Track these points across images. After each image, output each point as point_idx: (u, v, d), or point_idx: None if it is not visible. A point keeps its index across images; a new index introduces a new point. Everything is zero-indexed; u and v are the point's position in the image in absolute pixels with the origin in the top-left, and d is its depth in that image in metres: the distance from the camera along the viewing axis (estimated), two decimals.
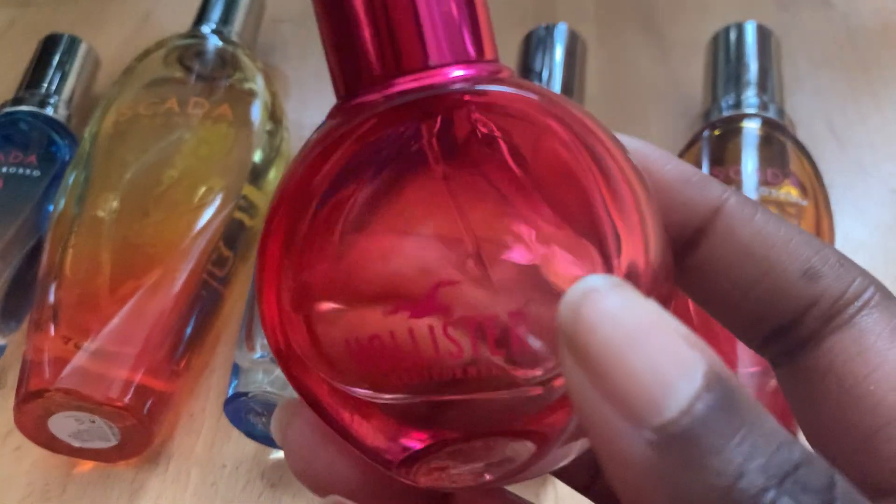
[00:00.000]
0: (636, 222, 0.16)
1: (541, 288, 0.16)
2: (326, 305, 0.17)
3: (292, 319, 0.17)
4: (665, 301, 0.16)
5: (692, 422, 0.12)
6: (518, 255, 0.16)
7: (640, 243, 0.16)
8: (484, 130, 0.17)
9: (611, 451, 0.13)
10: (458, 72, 0.17)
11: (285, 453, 0.19)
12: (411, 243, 0.17)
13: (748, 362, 0.33)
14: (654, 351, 0.13)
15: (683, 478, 0.12)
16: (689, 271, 0.18)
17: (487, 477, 0.18)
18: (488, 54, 0.17)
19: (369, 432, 0.18)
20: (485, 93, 0.17)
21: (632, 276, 0.16)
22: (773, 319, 0.18)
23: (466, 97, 0.17)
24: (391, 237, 0.17)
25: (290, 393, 0.33)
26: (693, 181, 0.18)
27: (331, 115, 0.17)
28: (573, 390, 0.14)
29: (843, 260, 0.18)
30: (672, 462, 0.13)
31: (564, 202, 0.16)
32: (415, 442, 0.17)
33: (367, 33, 0.16)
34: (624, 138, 0.17)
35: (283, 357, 0.18)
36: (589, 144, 0.16)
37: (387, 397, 0.17)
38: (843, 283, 0.17)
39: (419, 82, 0.16)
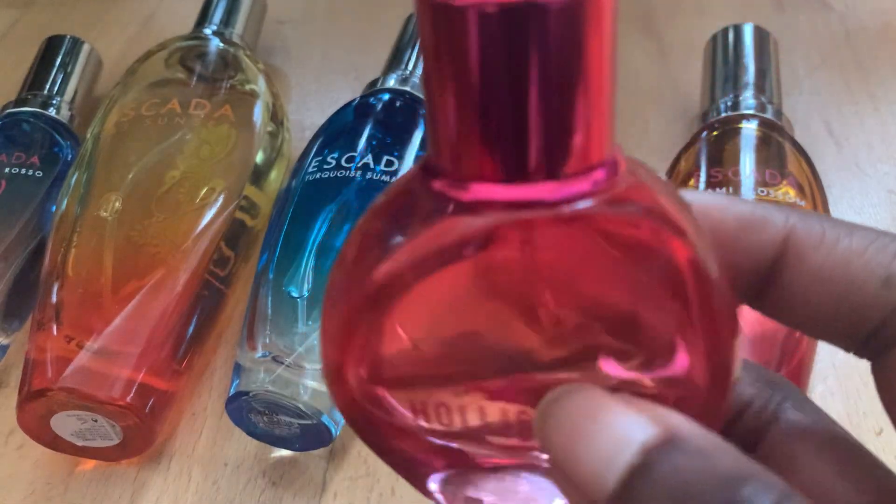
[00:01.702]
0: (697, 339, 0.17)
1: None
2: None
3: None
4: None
5: (638, 486, 0.14)
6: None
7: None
8: (579, 235, 0.16)
9: None
10: (571, 187, 0.15)
11: None
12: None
13: None
14: (593, 434, 0.15)
15: None
16: (774, 303, 0.18)
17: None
18: (596, 157, 0.15)
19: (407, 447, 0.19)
20: (599, 214, 0.15)
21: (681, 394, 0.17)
22: (862, 328, 0.18)
23: (570, 217, 0.15)
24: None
25: (291, 393, 0.33)
26: (756, 217, 0.18)
27: (423, 167, 0.16)
28: (550, 470, 0.16)
29: None
30: None
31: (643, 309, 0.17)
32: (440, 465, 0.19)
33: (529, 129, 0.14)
34: (686, 193, 0.17)
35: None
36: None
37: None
38: None
39: (530, 193, 0.15)
